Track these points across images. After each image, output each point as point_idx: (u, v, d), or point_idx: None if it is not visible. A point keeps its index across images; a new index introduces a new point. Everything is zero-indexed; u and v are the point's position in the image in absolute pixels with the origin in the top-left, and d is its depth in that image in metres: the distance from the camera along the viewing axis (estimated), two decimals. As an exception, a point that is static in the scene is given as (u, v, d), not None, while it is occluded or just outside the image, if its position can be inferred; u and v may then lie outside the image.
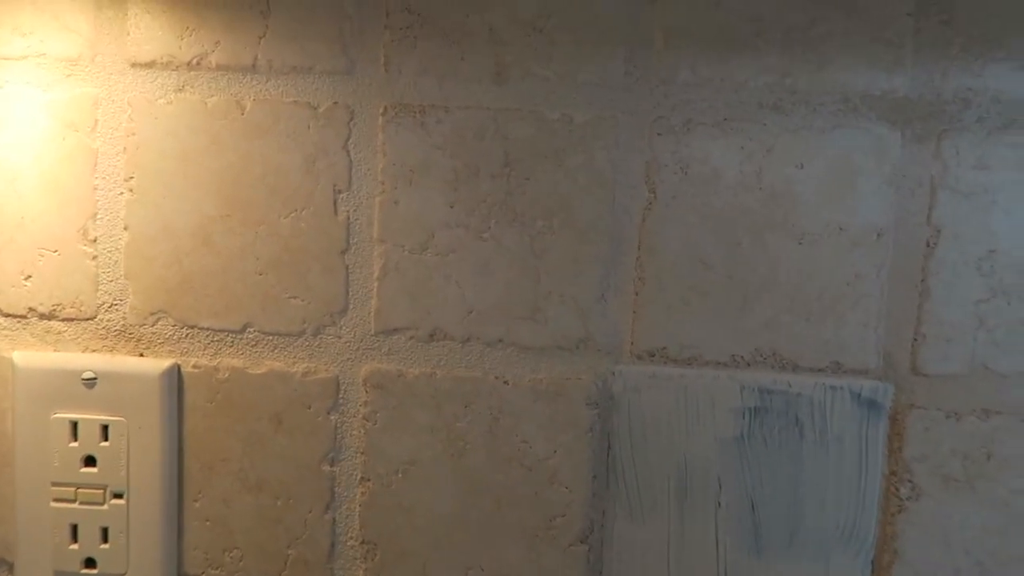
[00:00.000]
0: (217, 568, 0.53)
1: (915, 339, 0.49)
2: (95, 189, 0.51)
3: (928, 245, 0.49)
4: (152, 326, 0.52)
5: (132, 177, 0.50)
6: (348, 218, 0.50)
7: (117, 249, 0.51)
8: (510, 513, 0.52)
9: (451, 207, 0.50)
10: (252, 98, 0.50)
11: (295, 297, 0.51)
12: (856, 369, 0.50)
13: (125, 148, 0.50)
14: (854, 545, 0.51)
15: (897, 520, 0.51)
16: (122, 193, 0.51)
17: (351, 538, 0.53)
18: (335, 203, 0.50)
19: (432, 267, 0.50)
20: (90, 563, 0.53)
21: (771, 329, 0.50)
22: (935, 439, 0.50)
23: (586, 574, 0.52)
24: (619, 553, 0.52)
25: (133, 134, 0.50)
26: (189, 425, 0.52)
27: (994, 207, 0.48)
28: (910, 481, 0.50)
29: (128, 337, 0.52)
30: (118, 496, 0.52)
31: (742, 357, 0.50)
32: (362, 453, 0.52)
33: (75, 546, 0.53)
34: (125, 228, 0.51)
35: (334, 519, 0.53)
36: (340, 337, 0.51)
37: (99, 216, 0.51)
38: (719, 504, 0.52)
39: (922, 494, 0.51)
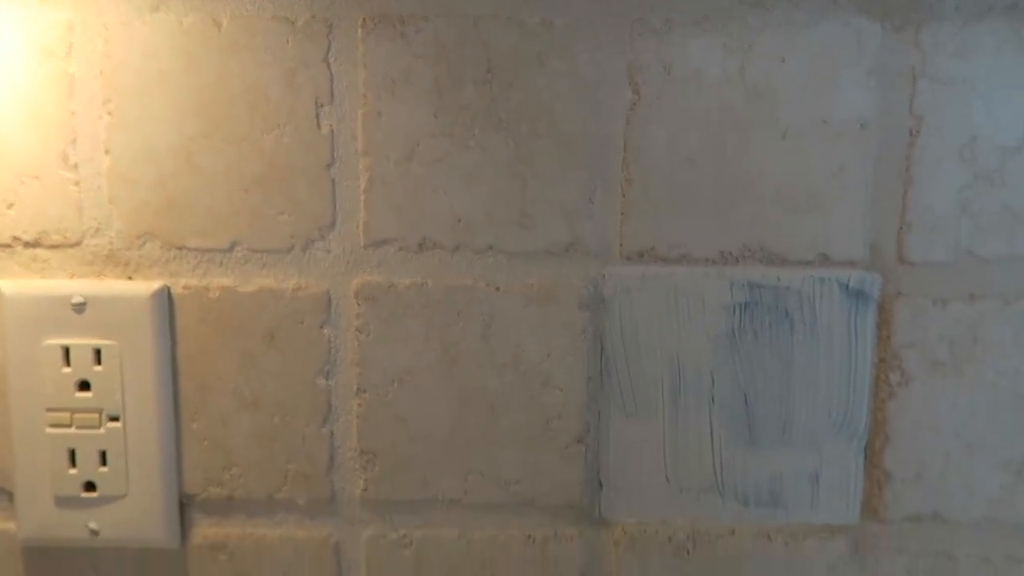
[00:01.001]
0: (218, 486, 0.63)
1: (901, 228, 0.59)
2: (73, 114, 0.58)
3: (911, 134, 0.58)
4: (139, 249, 0.60)
5: (110, 100, 0.58)
6: (332, 132, 0.59)
7: (99, 174, 0.59)
8: (506, 418, 0.62)
9: (435, 116, 0.58)
10: (228, 15, 0.57)
11: (282, 213, 0.60)
12: (843, 261, 0.59)
13: (102, 71, 0.58)
14: (847, 432, 0.62)
15: (888, 406, 0.61)
16: (101, 117, 0.59)
17: (350, 450, 0.63)
18: (317, 117, 0.58)
19: (418, 177, 0.59)
20: (90, 487, 0.62)
21: (758, 224, 0.59)
22: (923, 326, 0.60)
23: (584, 473, 0.62)
24: (615, 451, 0.62)
25: (109, 57, 0.58)
26: (182, 346, 0.61)
27: (974, 94, 0.57)
28: (899, 368, 0.60)
29: (116, 262, 0.61)
30: (114, 419, 0.62)
31: (731, 253, 0.59)
32: (357, 365, 0.61)
33: (74, 471, 0.62)
34: (106, 152, 0.59)
35: (332, 432, 0.62)
36: (329, 251, 0.60)
37: (79, 141, 0.59)
38: (712, 399, 0.61)
39: (911, 380, 0.61)
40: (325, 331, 0.61)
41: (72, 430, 0.62)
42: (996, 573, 0.63)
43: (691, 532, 0.63)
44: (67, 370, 0.61)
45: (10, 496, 0.63)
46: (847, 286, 0.59)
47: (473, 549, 0.64)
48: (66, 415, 0.62)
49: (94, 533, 0.63)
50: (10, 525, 0.64)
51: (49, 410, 0.61)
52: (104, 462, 0.62)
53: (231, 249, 0.60)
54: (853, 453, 0.62)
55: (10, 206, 0.59)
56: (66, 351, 0.61)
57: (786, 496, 0.63)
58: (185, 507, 0.64)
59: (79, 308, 0.60)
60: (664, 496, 0.63)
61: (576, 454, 0.62)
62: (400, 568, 0.64)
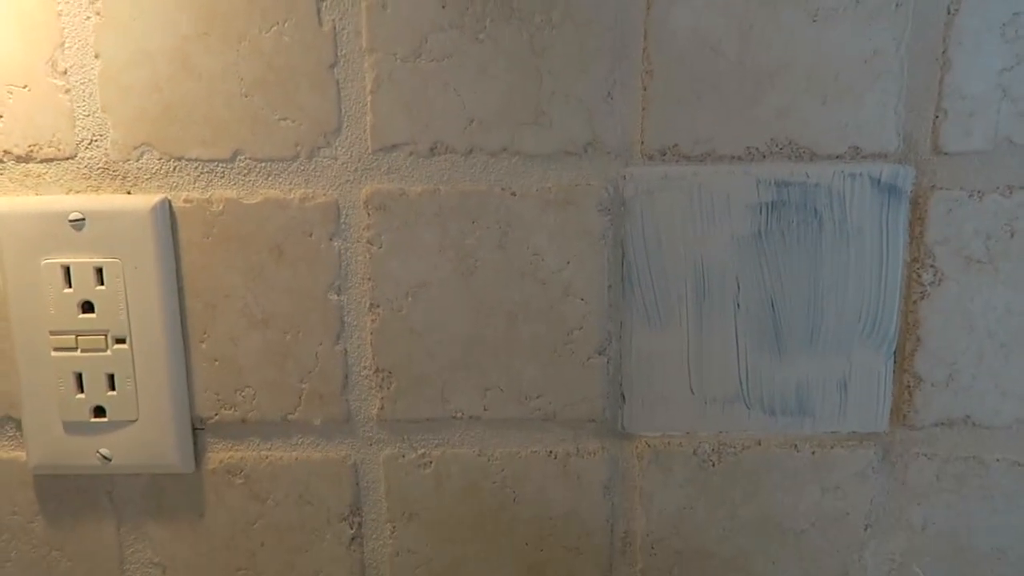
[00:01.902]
0: (230, 408, 0.50)
1: (936, 116, 0.45)
2: (60, 15, 0.44)
3: (949, 12, 0.44)
4: (137, 161, 0.47)
5: (97, -2, 0.45)
6: (334, 28, 0.45)
7: (90, 80, 0.45)
8: (525, 329, 0.48)
9: (443, 7, 0.44)
10: None
11: (285, 119, 0.46)
12: (875, 153, 0.46)
13: (86, -34, 0.44)
14: (876, 336, 0.48)
15: (919, 307, 0.48)
16: (89, 17, 0.44)
17: (364, 367, 0.49)
18: (318, 12, 0.44)
19: (427, 75, 0.45)
20: (99, 412, 0.48)
21: (786, 116, 0.45)
22: (957, 220, 0.46)
23: (605, 386, 0.49)
24: (638, 362, 0.48)
25: (93, -51, 0.44)
26: (186, 262, 0.48)
27: (1018, -35, 0.43)
28: (932, 266, 0.47)
29: (113, 175, 0.47)
30: (120, 341, 0.48)
31: (757, 149, 0.46)
32: (369, 279, 0.48)
33: (81, 395, 0.48)
34: (96, 56, 0.45)
35: (345, 349, 0.49)
36: (336, 158, 0.47)
37: (67, 45, 0.45)
38: (738, 305, 0.48)
39: (944, 278, 0.47)
40: (335, 243, 0.47)
41: (78, 353, 0.48)
42: (1027, 477, 0.50)
43: (716, 444, 0.50)
44: (68, 290, 0.47)
45: (17, 424, 0.50)
46: (879, 180, 0.46)
47: (494, 466, 0.50)
48: (71, 338, 0.48)
49: (105, 459, 0.49)
50: (19, 454, 0.50)
51: (53, 333, 0.47)
52: (112, 386, 0.48)
53: (233, 159, 0.46)
54: (883, 358, 0.48)
55: (-2, 117, 0.46)
56: (67, 270, 0.47)
57: (813, 404, 0.49)
58: (198, 431, 0.50)
59: (77, 224, 0.46)
60: (688, 407, 0.49)
61: (598, 366, 0.49)
62: (420, 488, 0.51)
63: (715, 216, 0.46)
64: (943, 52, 0.44)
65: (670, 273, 0.47)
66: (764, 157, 0.45)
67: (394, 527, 0.50)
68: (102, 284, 0.46)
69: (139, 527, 0.51)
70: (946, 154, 0.45)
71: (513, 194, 0.46)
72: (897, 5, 0.43)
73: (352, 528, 0.50)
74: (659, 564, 0.51)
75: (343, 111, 0.45)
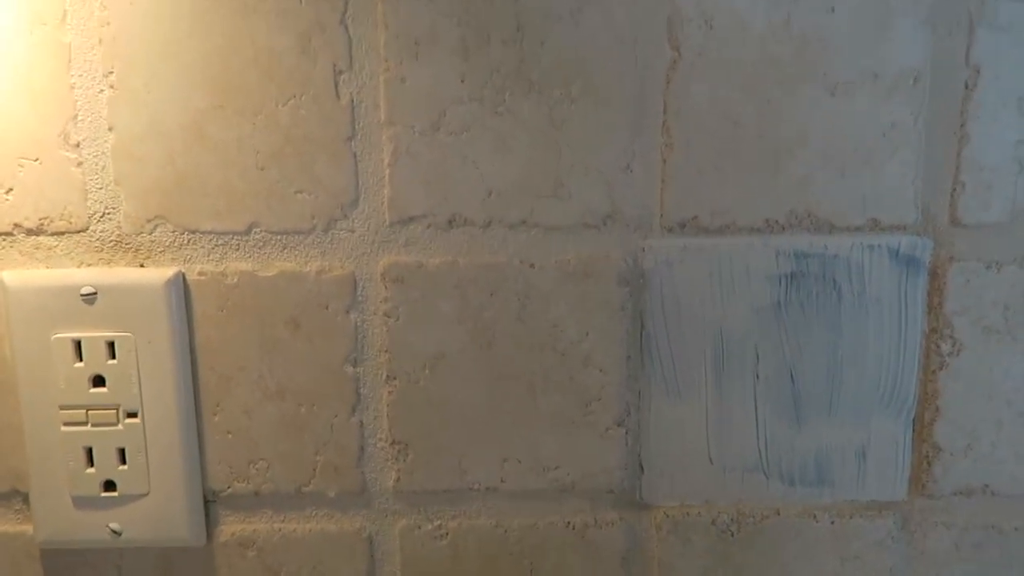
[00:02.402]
0: (243, 481, 0.49)
1: (954, 188, 0.45)
2: (72, 88, 0.44)
3: (967, 87, 0.44)
4: (150, 234, 0.46)
5: (112, 72, 0.44)
6: (352, 101, 0.45)
7: (103, 153, 0.45)
8: (544, 400, 0.48)
9: (462, 81, 0.44)
10: (236, -28, 0.44)
11: (301, 191, 0.46)
12: (894, 225, 0.46)
13: (101, 40, 0.43)
14: (895, 406, 0.48)
15: (938, 377, 0.48)
16: (102, 91, 0.44)
17: (381, 439, 0.49)
18: (336, 85, 0.44)
19: (446, 148, 0.45)
20: (110, 486, 0.48)
21: (805, 188, 0.45)
22: (976, 291, 0.47)
23: (625, 457, 0.49)
24: (657, 432, 0.48)
25: (108, 23, 0.43)
26: (200, 335, 0.47)
27: (1035, 41, 0.44)
28: (951, 336, 0.47)
29: (125, 248, 0.47)
30: (132, 415, 0.47)
31: (776, 221, 0.46)
32: (386, 351, 0.48)
33: (91, 470, 0.48)
34: (110, 129, 0.45)
35: (361, 421, 0.48)
36: (353, 231, 0.46)
37: (80, 118, 0.45)
38: (757, 376, 0.48)
39: (963, 348, 0.47)
40: (351, 316, 0.47)
41: (88, 428, 0.47)
42: (1046, 543, 0.50)
43: (735, 514, 0.50)
44: (79, 365, 0.46)
45: (24, 497, 0.49)
46: (897, 252, 0.46)
47: (511, 538, 0.50)
48: (81, 412, 0.47)
49: (116, 534, 0.49)
50: (27, 527, 0.49)
51: (63, 408, 0.47)
52: (123, 460, 0.48)
53: (248, 231, 0.46)
54: (902, 427, 0.49)
55: (9, 191, 0.45)
56: (78, 345, 0.46)
57: (833, 473, 0.49)
58: (210, 504, 0.49)
59: (89, 299, 0.46)
60: (707, 477, 0.49)
61: (616, 436, 0.48)
62: (436, 560, 0.50)
63: (735, 287, 0.46)
64: (961, 126, 0.44)
65: (689, 344, 0.47)
66: (783, 229, 0.45)
67: (410, 600, 0.50)
68: (114, 358, 0.46)
69: (148, 601, 0.50)
70: (964, 226, 0.45)
71: (532, 266, 0.46)
72: (915, 80, 0.43)
73: (367, 601, 0.50)
74: (677, 633, 0.50)
75: (360, 184, 0.45)
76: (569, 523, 0.49)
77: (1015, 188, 0.44)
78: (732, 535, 0.49)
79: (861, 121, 0.44)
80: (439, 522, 0.49)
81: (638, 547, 0.49)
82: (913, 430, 0.48)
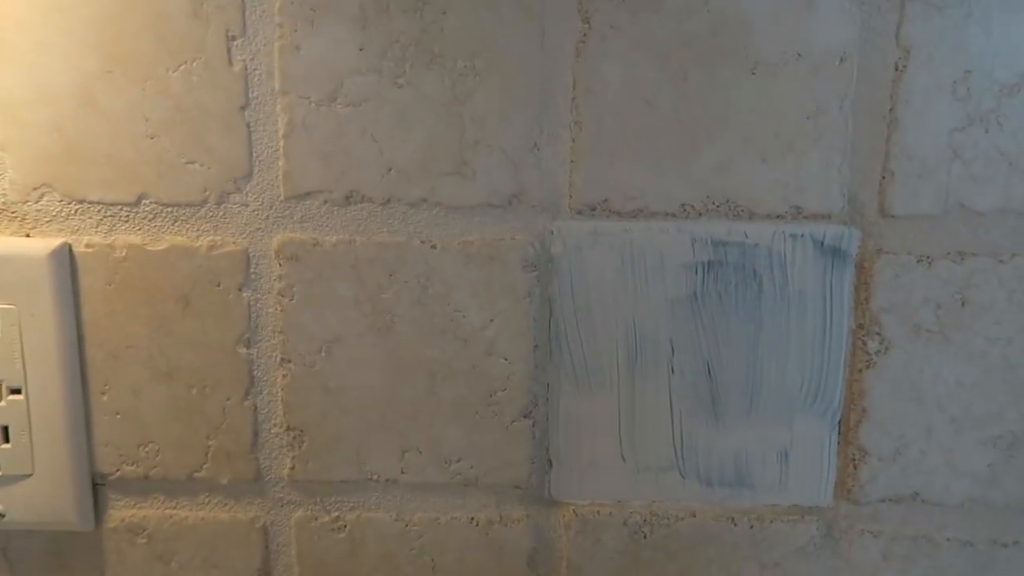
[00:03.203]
0: (132, 464, 0.48)
1: (883, 177, 0.43)
2: (-45, 47, 0.43)
3: (897, 68, 0.42)
4: (36, 203, 0.45)
5: (-5, 31, 0.43)
6: (245, 68, 0.43)
7: (-12, 116, 0.44)
8: (446, 389, 0.46)
9: (360, 50, 0.42)
10: (121, -72, 0.42)
11: (193, 162, 0.44)
12: (818, 214, 0.44)
13: (-17, -3, 0.43)
14: (820, 405, 0.46)
15: (865, 376, 0.45)
16: (-13, 51, 0.43)
17: (275, 425, 0.47)
18: (229, 52, 0.43)
19: (344, 120, 0.43)
20: (-7, 466, 0.47)
21: (724, 173, 0.43)
22: (906, 287, 0.44)
23: (531, 450, 0.47)
24: (566, 427, 0.46)
25: (-9, -20, 0.42)
26: (87, 311, 0.46)
27: (969, 20, 0.41)
28: (879, 333, 0.45)
29: (11, 216, 0.45)
30: (15, 392, 0.46)
31: (692, 206, 0.44)
32: (280, 332, 0.46)
33: (-26, 448, 0.47)
34: (-6, 91, 0.44)
35: (255, 405, 0.47)
36: (247, 205, 0.45)
37: (-37, 79, 0.44)
38: (672, 370, 0.46)
39: (892, 347, 0.45)
40: (244, 294, 0.45)
41: (-29, 403, 0.46)
42: (979, 558, 0.48)
43: (648, 514, 0.48)
44: (-38, 337, 0.46)
45: (-92, 475, 0.48)
46: (822, 242, 0.44)
47: (412, 533, 0.48)
48: (-37, 387, 0.46)
49: None
50: (-89, 506, 0.49)
51: (-55, 381, 0.46)
52: (6, 438, 0.46)
53: (138, 203, 0.45)
54: (826, 428, 0.46)
55: None
56: (-40, 316, 0.45)
57: (752, 475, 0.47)
58: (98, 487, 0.47)
59: (-28, 268, 0.45)
60: (619, 475, 0.47)
61: (523, 429, 0.47)
62: (333, 553, 0.48)
63: (648, 275, 0.44)
64: (890, 110, 0.42)
65: (600, 334, 0.45)
66: (700, 215, 0.43)
67: (305, 594, 0.48)
68: (-3, 331, 0.45)
69: (36, 586, 0.49)
70: (894, 216, 0.43)
71: (433, 247, 0.44)
72: (841, 59, 0.41)
73: (261, 594, 0.48)
74: (588, 638, 0.49)
75: (254, 156, 0.43)
76: (473, 519, 0.47)
77: (948, 178, 0.42)
78: (645, 537, 0.47)
79: (784, 104, 0.42)
80: (337, 514, 0.47)
81: (546, 546, 0.47)
82: (839, 432, 0.46)
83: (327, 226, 0.44)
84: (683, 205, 0.43)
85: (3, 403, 0.45)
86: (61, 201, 0.44)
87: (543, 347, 0.45)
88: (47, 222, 0.44)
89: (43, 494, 0.47)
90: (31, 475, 0.46)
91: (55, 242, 0.44)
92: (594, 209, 0.43)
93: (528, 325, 0.45)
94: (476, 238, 0.44)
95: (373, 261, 0.44)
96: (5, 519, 0.47)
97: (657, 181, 0.43)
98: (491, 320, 0.45)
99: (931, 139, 0.42)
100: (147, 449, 0.47)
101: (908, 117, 0.42)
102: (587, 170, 0.43)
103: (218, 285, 0.45)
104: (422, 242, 0.44)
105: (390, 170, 0.43)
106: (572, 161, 0.43)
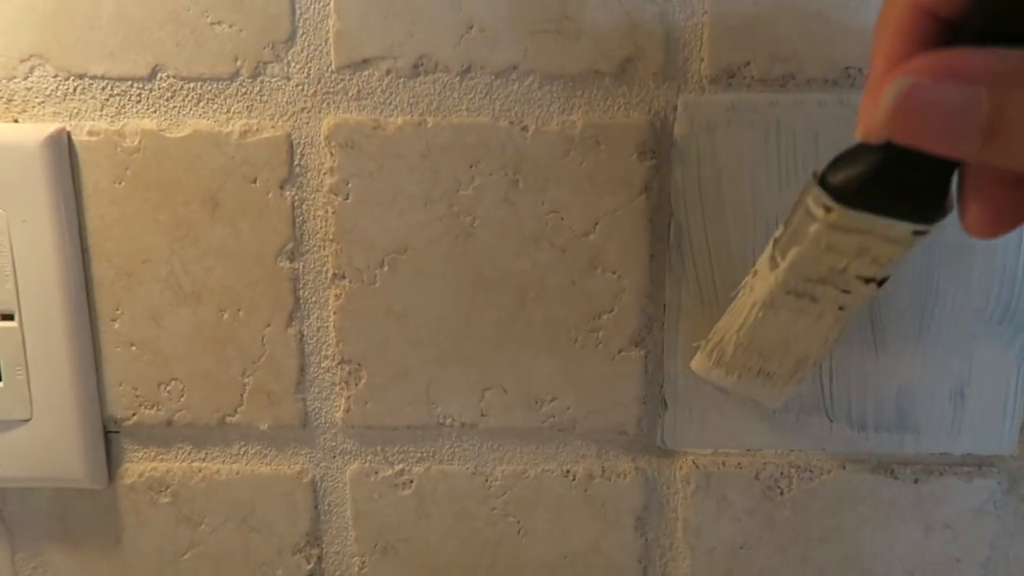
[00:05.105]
0: (152, 407, 0.40)
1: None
2: None
3: None
4: (25, 79, 0.37)
5: None
6: None
7: (-39, -33, 0.36)
8: (538, 311, 0.38)
9: None
10: None
11: (220, 22, 0.36)
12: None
13: None
14: (1007, 332, 0.37)
15: (1070, 292, 0.38)
16: None
17: (326, 358, 0.40)
18: None
19: (411, -36, 0.35)
20: (-18, 409, 0.40)
21: (901, 27, 0.35)
22: None
23: (643, 388, 0.39)
24: (687, 359, 0.39)
25: None
26: (93, 216, 0.38)
27: None
28: (1091, 236, 0.37)
29: (-6, 96, 0.38)
30: (7, 318, 0.38)
31: (860, 71, 0.36)
32: (332, 241, 0.38)
33: (-43, 387, 0.40)
34: (-32, -66, 0.36)
35: (301, 333, 0.39)
36: (289, 78, 0.37)
37: (-71, -82, 0.36)
38: (823, 285, 0.38)
39: (1107, 254, 0.37)
40: (287, 193, 0.38)
41: (-47, 333, 0.39)
42: None
43: (786, 466, 0.40)
44: (-62, 250, 0.38)
45: None
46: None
47: (493, 489, 0.40)
48: (-59, 313, 0.39)
49: (-7, 469, 0.41)
50: None
51: (-81, 306, 0.39)
52: (-1, 375, 0.40)
53: (152, 77, 0.37)
54: (1013, 360, 0.38)
55: None
56: (-64, 224, 0.38)
57: (918, 417, 0.39)
58: (111, 435, 0.40)
59: (-52, 163, 0.37)
60: (750, 419, 0.39)
61: (632, 361, 0.39)
62: (397, 513, 0.41)
63: (797, 161, 0.36)
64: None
65: (734, 239, 0.37)
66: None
67: (363, 563, 0.41)
68: (-19, 242, 0.37)
69: (39, 555, 0.42)
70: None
71: (524, 129, 0.36)
72: None
73: (309, 563, 0.41)
74: (706, 617, 0.41)
75: (298, 13, 0.35)
76: (568, 472, 0.40)
77: None
78: (781, 493, 0.39)
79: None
80: (401, 466, 0.40)
81: (658, 505, 0.40)
82: (1029, 364, 0.38)
83: (390, 103, 0.36)
84: (847, 69, 0.35)
85: (-8, 331, 0.38)
86: (56, 76, 0.36)
87: (660, 257, 0.37)
88: (39, 103, 0.37)
89: (44, 444, 0.39)
90: (29, 420, 0.39)
91: (49, 128, 0.36)
92: (732, 77, 0.35)
93: (643, 229, 0.37)
94: (579, 117, 0.36)
95: (448, 148, 0.36)
96: (-1, 474, 0.40)
97: (814, 39, 0.34)
98: (596, 224, 0.37)
99: None
100: (169, 388, 0.39)
101: None
102: (724, 26, 0.34)
103: (254, 182, 0.37)
104: (511, 123, 0.36)
105: (471, 28, 0.35)
106: (705, 12, 0.34)
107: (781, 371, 0.34)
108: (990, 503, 0.39)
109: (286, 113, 0.36)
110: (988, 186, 0.24)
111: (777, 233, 0.31)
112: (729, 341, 0.34)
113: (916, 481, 0.39)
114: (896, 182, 0.26)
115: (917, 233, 0.27)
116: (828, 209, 0.27)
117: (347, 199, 0.37)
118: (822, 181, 0.27)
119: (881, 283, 0.30)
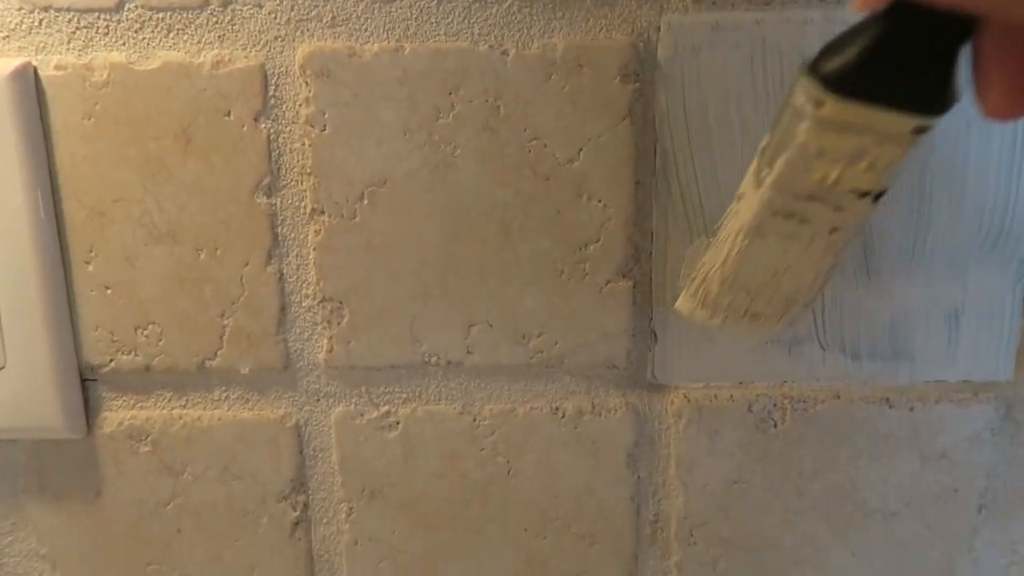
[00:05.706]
0: (129, 352, 0.40)
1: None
2: None
3: None
4: (-12, 11, 0.37)
5: None
6: None
7: None
8: (523, 243, 0.38)
9: None
10: None
11: (188, -52, 0.36)
12: None
13: None
14: (1002, 253, 0.37)
15: (1064, 210, 0.37)
16: None
17: (307, 296, 0.39)
18: None
19: None
20: (-46, 358, 0.40)
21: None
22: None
23: (631, 320, 0.39)
24: (676, 289, 0.39)
25: None
26: (61, 154, 0.37)
27: None
28: (1085, 152, 0.37)
29: (-44, 31, 0.37)
30: (-24, 262, 0.39)
31: (845, -14, 0.36)
32: (310, 174, 0.37)
33: (-72, 335, 0.39)
34: None
35: (280, 271, 0.39)
36: (261, 5, 0.36)
37: None
38: (814, 209, 0.38)
39: (1101, 170, 0.37)
40: (262, 125, 0.37)
41: (-78, 279, 0.38)
42: None
43: (779, 398, 0.40)
44: (-96, 193, 0.37)
45: None
46: (1014, 32, 0.35)
47: (481, 428, 0.40)
48: (-90, 259, 0.38)
49: (-32, 421, 0.40)
50: None
51: None
52: (-30, 322, 0.39)
53: (120, 7, 0.36)
54: (1009, 283, 0.38)
55: None
56: (-100, 166, 0.37)
57: (913, 344, 0.39)
58: (88, 383, 0.40)
59: (-90, 101, 0.37)
60: (742, 350, 0.39)
61: (621, 293, 0.38)
62: (384, 457, 0.40)
63: (785, 83, 0.35)
64: None
65: (721, 164, 0.36)
66: (855, -2, 0.34)
67: (351, 508, 0.41)
68: (-52, 183, 0.36)
69: (18, 509, 0.41)
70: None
71: (504, 53, 0.35)
72: None
73: (295, 510, 0.41)
74: (700, 556, 0.41)
75: (268, -64, 0.34)
76: (558, 409, 0.39)
77: None
78: (775, 425, 0.39)
79: None
80: (387, 408, 0.39)
81: (649, 441, 0.40)
82: (1024, 287, 0.38)
83: (367, 29, 0.35)
84: (833, -16, 0.34)
85: (-39, 276, 0.37)
86: (21, 9, 0.35)
87: (647, 184, 0.37)
88: (3, 38, 0.36)
89: (19, 393, 0.39)
90: (2, 368, 0.38)
91: (14, 63, 0.35)
92: (715, -6, 0.35)
93: (628, 155, 0.36)
94: (561, 40, 0.35)
95: (426, 75, 0.35)
96: (-26, 425, 0.39)
97: (799, -47, 0.34)
98: (580, 150, 0.36)
99: None
100: (147, 333, 0.39)
101: None
102: (706, -60, 0.34)
103: (227, 115, 0.36)
104: (490, 47, 0.35)
105: (447, -51, 0.34)
106: (687, -72, 0.34)
107: (770, 311, 0.33)
108: (987, 430, 0.39)
109: (259, 42, 0.36)
110: (1013, 60, 0.23)
111: (763, 142, 0.29)
112: (714, 278, 0.33)
113: (911, 410, 0.39)
114: (897, 63, 0.24)
115: (918, 131, 0.26)
116: (819, 103, 0.25)
117: (324, 130, 0.36)
118: (812, 70, 0.25)
119: (877, 198, 0.29)
